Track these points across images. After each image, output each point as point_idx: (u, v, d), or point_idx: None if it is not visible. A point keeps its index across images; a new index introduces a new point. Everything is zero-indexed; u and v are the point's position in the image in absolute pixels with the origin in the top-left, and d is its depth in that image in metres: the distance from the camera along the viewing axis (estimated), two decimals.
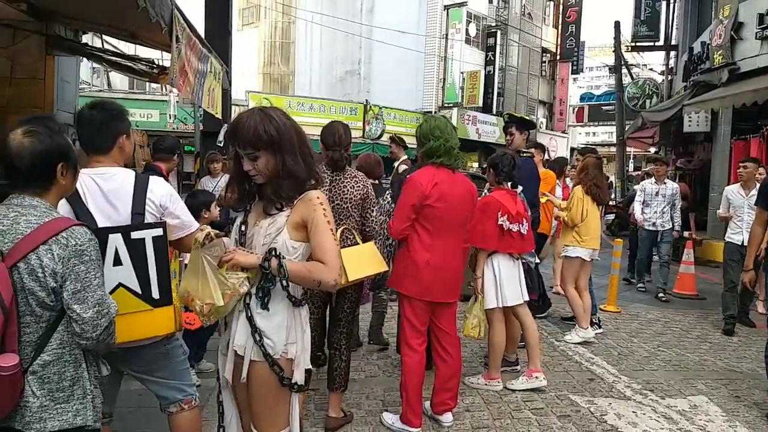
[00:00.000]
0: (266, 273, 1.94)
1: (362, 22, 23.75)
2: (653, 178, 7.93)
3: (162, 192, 2.35)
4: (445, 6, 22.20)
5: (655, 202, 7.74)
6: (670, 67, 17.71)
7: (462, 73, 22.52)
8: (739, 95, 9.71)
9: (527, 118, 4.73)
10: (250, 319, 2.00)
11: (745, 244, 5.62)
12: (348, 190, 3.30)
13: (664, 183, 7.79)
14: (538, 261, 4.87)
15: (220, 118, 6.62)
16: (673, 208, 7.70)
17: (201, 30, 9.22)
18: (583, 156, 6.16)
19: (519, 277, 4.22)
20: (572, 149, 32.83)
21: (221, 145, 7.53)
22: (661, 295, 7.67)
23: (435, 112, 22.71)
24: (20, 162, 1.72)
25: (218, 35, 9.19)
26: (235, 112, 16.43)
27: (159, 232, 2.24)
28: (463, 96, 22.65)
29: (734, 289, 6.18)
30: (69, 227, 1.71)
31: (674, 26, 17.57)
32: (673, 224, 7.70)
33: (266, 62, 27.64)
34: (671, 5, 17.75)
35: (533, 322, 4.30)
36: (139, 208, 2.25)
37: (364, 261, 3.16)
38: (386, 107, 20.93)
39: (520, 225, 4.11)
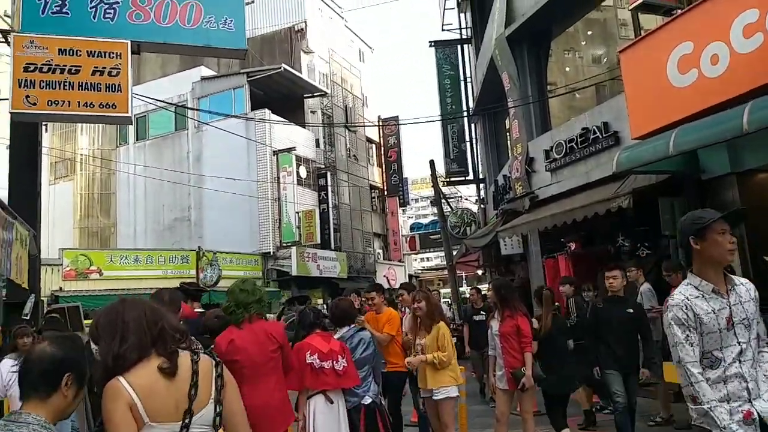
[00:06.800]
0: None
1: (190, 172, 23.59)
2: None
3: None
4: (274, 152, 23.08)
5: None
6: (482, 197, 19.88)
7: (297, 212, 23.06)
8: (540, 220, 11.04)
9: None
10: None
11: None
12: None
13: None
14: (377, 402, 4.59)
15: (27, 288, 5.85)
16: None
17: (5, 187, 8.33)
18: (426, 293, 5.46)
19: (338, 420, 4.26)
20: (410, 275, 34.58)
21: (27, 318, 6.58)
22: None
23: (274, 253, 22.65)
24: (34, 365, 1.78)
25: (25, 192, 8.37)
26: (45, 273, 14.80)
27: None
28: (300, 234, 23.01)
29: None
30: None
31: (479, 162, 20.07)
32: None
33: (83, 215, 25.82)
34: (474, 145, 20.38)
35: None
36: None
37: None
38: (221, 252, 20.41)
39: (334, 361, 4.28)
